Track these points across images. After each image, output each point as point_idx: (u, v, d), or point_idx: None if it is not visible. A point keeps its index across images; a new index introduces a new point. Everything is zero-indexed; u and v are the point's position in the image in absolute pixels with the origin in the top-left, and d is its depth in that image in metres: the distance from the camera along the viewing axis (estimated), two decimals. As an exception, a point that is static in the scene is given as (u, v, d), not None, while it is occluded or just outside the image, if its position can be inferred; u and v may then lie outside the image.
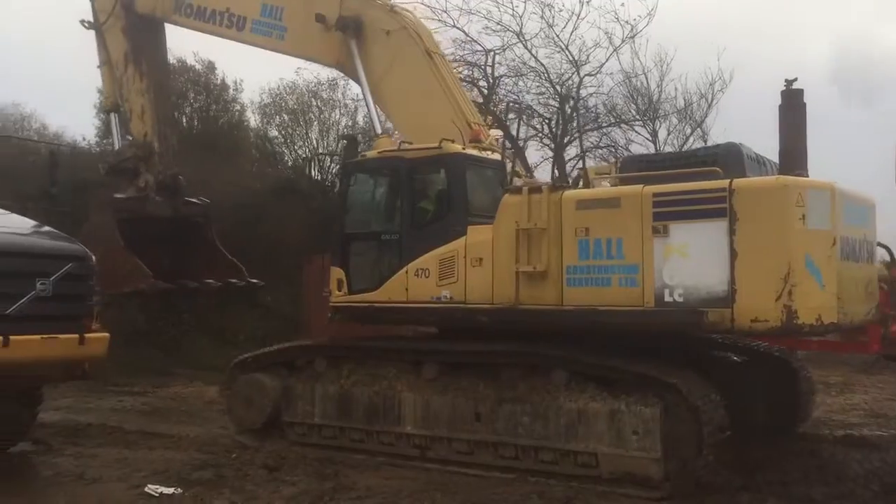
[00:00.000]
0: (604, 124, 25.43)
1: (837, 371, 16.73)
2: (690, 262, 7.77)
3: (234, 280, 12.40)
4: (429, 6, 22.82)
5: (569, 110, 24.78)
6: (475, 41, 23.53)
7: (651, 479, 7.68)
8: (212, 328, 17.67)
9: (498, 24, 23.20)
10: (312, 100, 28.46)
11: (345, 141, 11.38)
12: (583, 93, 24.68)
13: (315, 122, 28.62)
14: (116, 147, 13.35)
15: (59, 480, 8.31)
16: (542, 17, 23.32)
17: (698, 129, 24.97)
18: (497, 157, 9.81)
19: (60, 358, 8.04)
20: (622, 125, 25.45)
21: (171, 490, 7.77)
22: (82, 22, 13.73)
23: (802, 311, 7.37)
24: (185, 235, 12.46)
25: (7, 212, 9.13)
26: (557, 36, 23.52)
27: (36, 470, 8.95)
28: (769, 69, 26.83)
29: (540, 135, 25.09)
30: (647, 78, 24.75)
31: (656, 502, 7.61)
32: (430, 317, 9.24)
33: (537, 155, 24.37)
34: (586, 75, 24.28)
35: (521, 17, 23.32)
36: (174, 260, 12.27)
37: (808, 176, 8.07)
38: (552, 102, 24.85)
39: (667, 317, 7.76)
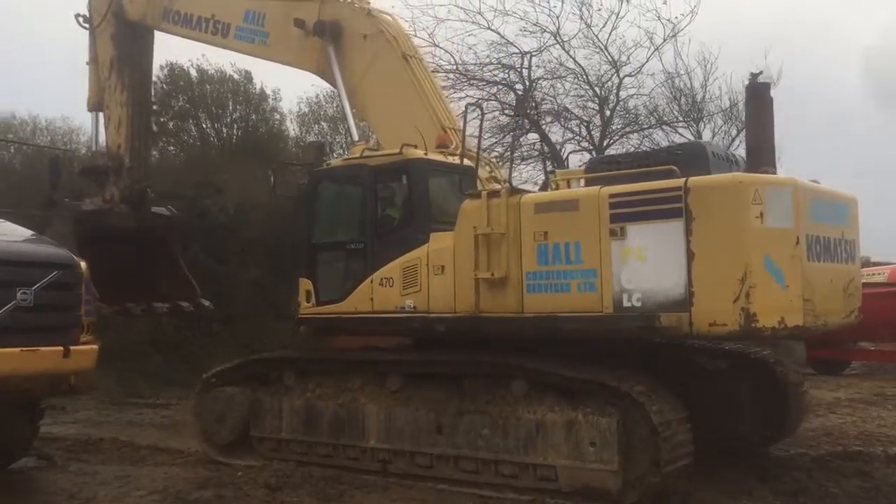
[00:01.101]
0: (644, 126, 24.75)
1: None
2: (648, 265, 7.45)
3: (182, 303, 12.24)
4: (462, 8, 22.74)
5: (608, 112, 24.18)
6: (511, 43, 23.00)
7: (609, 492, 7.35)
8: (241, 338, 17.38)
9: (534, 24, 22.70)
10: None
11: (311, 148, 11.25)
12: (622, 94, 24.00)
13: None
14: (97, 146, 13.27)
15: (51, 501, 8.06)
16: (580, 17, 22.83)
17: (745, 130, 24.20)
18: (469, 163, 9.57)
19: (42, 372, 7.63)
20: (664, 127, 24.66)
21: None
22: (77, 17, 13.77)
23: (762, 313, 7.01)
24: (149, 249, 12.35)
25: None
26: (596, 36, 22.99)
27: (32, 488, 8.71)
28: (821, 64, 25.87)
29: (578, 138, 24.52)
30: (690, 77, 23.95)
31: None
32: (393, 327, 9.00)
33: (575, 158, 23.85)
34: (626, 76, 23.62)
35: (558, 17, 22.88)
36: (134, 276, 12.10)
37: (775, 173, 7.72)
38: (591, 105, 24.24)
39: (622, 322, 7.44)
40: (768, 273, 7.11)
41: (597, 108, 24.11)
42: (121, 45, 13.26)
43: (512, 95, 23.65)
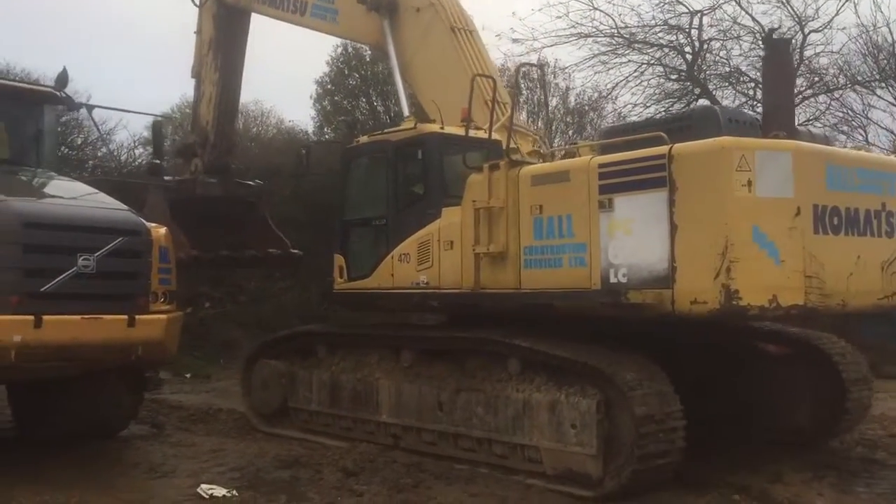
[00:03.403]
0: (833, 87, 22.10)
1: None
2: (633, 239, 7.01)
3: (273, 250, 12.70)
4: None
5: None
6: (680, 2, 21.07)
7: (590, 477, 6.98)
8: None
9: (706, -21, 20.71)
10: (522, 81, 26.79)
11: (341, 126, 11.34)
12: (807, 53, 21.24)
13: (525, 105, 26.38)
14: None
15: (131, 472, 7.98)
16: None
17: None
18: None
19: (105, 341, 7.36)
20: (857, 88, 21.91)
21: (223, 492, 7.14)
22: None
23: (746, 290, 6.40)
24: (238, 215, 12.88)
25: (72, 181, 8.97)
26: (777, -12, 20.70)
27: (119, 458, 8.58)
28: None
29: (752, 102, 21.99)
30: (891, 31, 20.93)
31: (591, 502, 6.90)
32: (408, 303, 8.96)
33: None
34: (812, 32, 20.80)
35: (733, -31, 20.68)
36: (225, 237, 12.65)
37: (788, 137, 7.01)
38: None
39: (604, 299, 7.02)
40: (758, 246, 6.47)
41: None
42: (220, 27, 13.81)
43: (680, 60, 21.99)
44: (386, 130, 9.50)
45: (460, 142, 8.97)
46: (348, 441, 9.01)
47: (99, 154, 21.28)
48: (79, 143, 23.34)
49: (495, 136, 8.82)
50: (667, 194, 6.74)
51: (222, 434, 9.89)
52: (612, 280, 7.09)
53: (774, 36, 6.99)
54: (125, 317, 7.45)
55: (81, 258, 7.18)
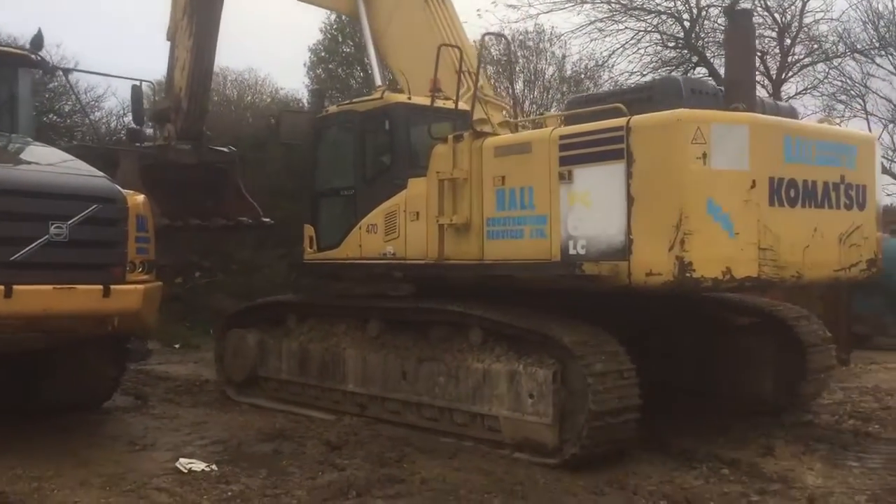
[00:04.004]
0: (832, 55, 22.03)
1: None
2: (592, 211, 7.05)
3: (244, 218, 12.69)
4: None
5: (788, 41, 21.58)
6: None
7: (546, 445, 7.07)
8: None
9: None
10: (519, 50, 25.77)
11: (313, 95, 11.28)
12: (807, 20, 21.33)
13: (521, 74, 26.10)
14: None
15: (110, 445, 7.83)
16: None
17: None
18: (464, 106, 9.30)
19: (78, 311, 7.13)
20: (857, 56, 21.87)
21: (202, 466, 7.02)
22: None
23: (700, 262, 6.46)
24: (211, 182, 12.83)
25: (48, 147, 8.65)
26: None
27: (100, 431, 8.48)
28: None
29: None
30: None
31: (550, 469, 6.98)
32: (375, 273, 8.99)
33: None
34: None
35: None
36: (197, 205, 12.61)
37: (748, 109, 7.02)
38: (768, 33, 21.71)
39: (562, 270, 7.07)
40: (712, 219, 6.52)
41: (775, 36, 21.49)
42: None
43: (677, 27, 21.72)
44: (354, 100, 9.49)
45: (428, 112, 8.96)
46: (317, 409, 9.10)
47: (86, 121, 21.02)
48: (66, 110, 23.16)
49: (466, 106, 8.83)
50: (624, 166, 6.76)
51: (207, 406, 9.80)
52: (572, 252, 7.13)
53: (736, 8, 6.97)
54: (100, 287, 7.22)
55: (53, 226, 6.96)
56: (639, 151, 6.69)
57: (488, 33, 12.52)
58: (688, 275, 6.43)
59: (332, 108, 9.94)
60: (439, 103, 9.08)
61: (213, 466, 7.04)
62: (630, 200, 6.72)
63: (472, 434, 7.70)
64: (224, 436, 8.18)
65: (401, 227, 8.72)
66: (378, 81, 10.84)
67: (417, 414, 8.22)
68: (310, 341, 9.41)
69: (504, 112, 10.39)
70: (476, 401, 7.60)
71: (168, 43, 13.40)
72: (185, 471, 6.92)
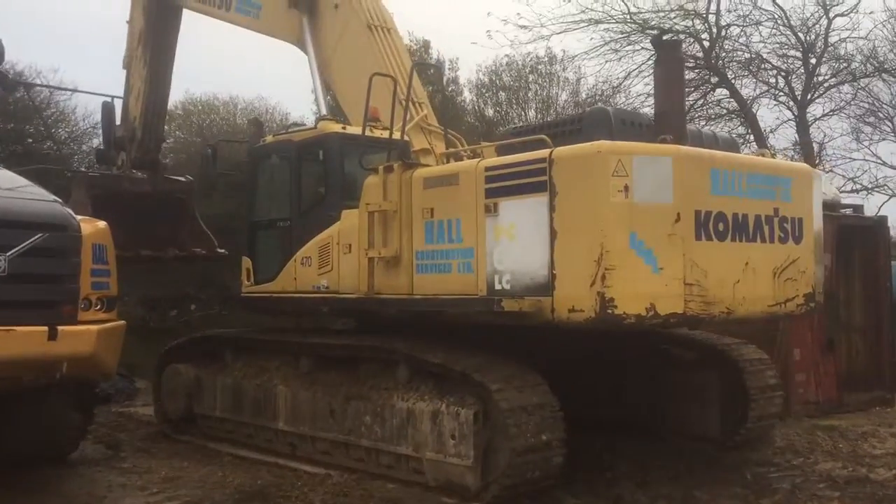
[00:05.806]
0: (860, 75, 21.38)
1: None
2: (516, 244, 6.83)
3: (198, 249, 12.42)
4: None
5: (813, 61, 20.92)
6: None
7: (468, 488, 6.80)
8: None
9: (726, -37, 20.07)
10: (530, 75, 25.77)
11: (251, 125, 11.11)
12: (832, 38, 20.76)
13: (532, 102, 25.88)
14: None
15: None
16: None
17: None
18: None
19: (17, 357, 6.30)
20: (885, 75, 21.22)
21: None
22: None
23: (622, 298, 6.23)
24: (167, 212, 12.59)
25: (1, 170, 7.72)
26: (800, -29, 19.76)
27: (61, 488, 7.59)
28: None
29: (775, 91, 21.57)
30: None
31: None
32: (303, 308, 8.76)
33: (771, 116, 21.43)
34: (837, 16, 20.35)
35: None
36: (153, 233, 12.32)
37: (679, 142, 6.84)
38: (792, 53, 21.22)
39: (479, 305, 6.85)
40: (635, 253, 6.31)
41: (800, 56, 20.95)
42: (149, 21, 13.48)
43: (697, 47, 21.06)
44: (290, 130, 9.30)
45: (363, 143, 8.76)
46: (250, 449, 8.82)
47: (83, 148, 20.51)
48: (63, 137, 22.38)
49: (410, 135, 8.63)
50: (547, 199, 6.56)
51: (184, 456, 8.82)
52: (497, 287, 6.91)
53: (664, 38, 6.84)
54: (44, 328, 6.38)
55: None
56: (561, 184, 6.49)
57: (419, 63, 12.31)
58: (609, 311, 6.21)
59: (269, 138, 9.74)
60: (376, 133, 8.91)
61: None
62: (553, 234, 6.51)
63: (398, 476, 7.42)
64: (196, 495, 7.29)
65: (334, 260, 8.49)
66: (323, 111, 10.66)
67: (346, 454, 7.93)
68: (243, 377, 9.13)
69: (447, 142, 10.18)
70: (400, 441, 7.34)
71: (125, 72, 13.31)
72: None
